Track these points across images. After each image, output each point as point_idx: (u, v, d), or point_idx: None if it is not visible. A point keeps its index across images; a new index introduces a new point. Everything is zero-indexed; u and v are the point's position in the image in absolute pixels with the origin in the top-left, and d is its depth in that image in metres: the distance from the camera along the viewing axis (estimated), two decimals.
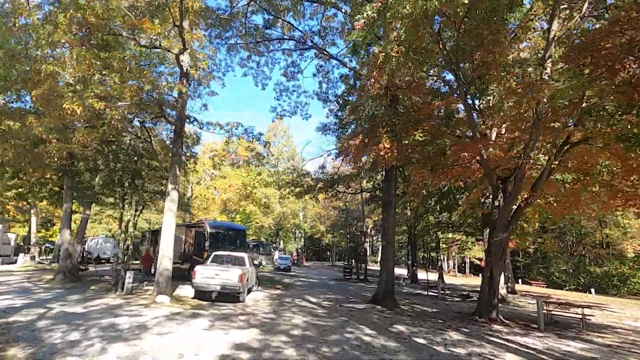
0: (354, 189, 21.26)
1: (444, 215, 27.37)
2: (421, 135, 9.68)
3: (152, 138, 12.73)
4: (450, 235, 33.14)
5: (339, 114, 18.22)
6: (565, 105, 7.73)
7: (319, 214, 54.14)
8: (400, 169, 16.49)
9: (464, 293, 18.78)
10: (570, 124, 9.03)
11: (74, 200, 16.93)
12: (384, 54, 7.25)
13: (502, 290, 16.08)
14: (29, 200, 26.11)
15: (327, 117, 21.94)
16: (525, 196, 9.48)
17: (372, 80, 7.92)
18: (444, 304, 14.62)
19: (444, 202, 19.93)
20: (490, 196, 16.44)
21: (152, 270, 15.72)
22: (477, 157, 10.46)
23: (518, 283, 32.75)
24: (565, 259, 37.23)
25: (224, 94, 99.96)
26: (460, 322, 9.92)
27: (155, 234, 20.03)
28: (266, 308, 10.56)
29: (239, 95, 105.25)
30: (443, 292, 17.72)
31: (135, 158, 13.31)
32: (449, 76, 13.40)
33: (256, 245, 35.59)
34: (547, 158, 9.62)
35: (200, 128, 12.47)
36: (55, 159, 9.46)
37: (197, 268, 11.30)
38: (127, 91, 7.77)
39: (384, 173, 14.57)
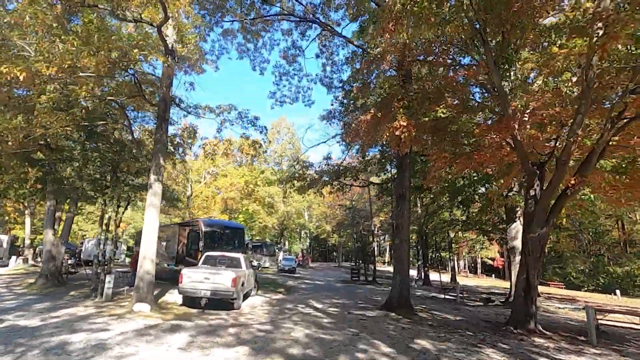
0: (361, 181, 19.42)
1: (455, 214, 25.66)
2: (444, 111, 8.09)
3: (130, 122, 11.31)
4: (461, 234, 31.29)
5: (345, 101, 16.67)
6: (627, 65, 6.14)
7: (325, 213, 52.56)
8: (412, 161, 14.87)
9: (485, 296, 17.08)
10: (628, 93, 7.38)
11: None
12: None
13: None
14: (22, 201, 25.00)
15: (332, 104, 20.23)
16: (572, 182, 7.85)
17: (387, 35, 6.36)
18: (466, 309, 12.96)
19: (460, 198, 18.23)
20: (514, 187, 14.76)
21: None
22: (509, 139, 8.87)
23: None
24: (583, 259, 35.20)
25: (223, 93, 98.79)
26: (493, 335, 8.30)
27: None
28: (263, 317, 9.07)
29: (238, 95, 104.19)
30: (461, 295, 16.08)
31: (118, 148, 11.87)
32: (463, 61, 11.87)
33: (259, 246, 34.15)
34: (597, 137, 7.96)
35: (188, 112, 11.06)
36: (10, 144, 8.09)
37: (184, 271, 9.86)
38: (85, 54, 6.34)
39: (396, 161, 13.00)
